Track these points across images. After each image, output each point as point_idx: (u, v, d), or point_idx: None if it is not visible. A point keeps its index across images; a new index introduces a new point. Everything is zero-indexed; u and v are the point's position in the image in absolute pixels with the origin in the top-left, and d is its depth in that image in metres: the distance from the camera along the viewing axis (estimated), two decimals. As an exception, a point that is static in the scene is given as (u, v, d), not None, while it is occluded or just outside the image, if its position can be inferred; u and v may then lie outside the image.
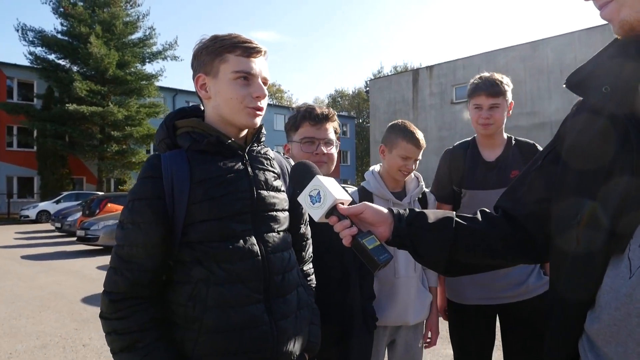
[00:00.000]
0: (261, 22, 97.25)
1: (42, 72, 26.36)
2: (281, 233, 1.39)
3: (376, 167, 2.32)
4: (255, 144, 1.41)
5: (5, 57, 61.02)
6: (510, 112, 2.26)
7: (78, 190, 25.79)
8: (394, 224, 1.18)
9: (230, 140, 1.33)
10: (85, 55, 24.99)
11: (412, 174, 2.32)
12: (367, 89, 44.74)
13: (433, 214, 1.21)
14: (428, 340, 2.32)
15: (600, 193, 0.90)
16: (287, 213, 1.43)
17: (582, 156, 0.99)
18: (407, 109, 27.60)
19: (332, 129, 1.84)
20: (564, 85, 1.06)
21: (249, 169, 1.35)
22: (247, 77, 1.31)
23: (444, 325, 2.41)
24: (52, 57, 26.91)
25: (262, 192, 1.35)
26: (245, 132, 1.39)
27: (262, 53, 1.35)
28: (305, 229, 1.56)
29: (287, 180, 1.48)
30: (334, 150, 1.84)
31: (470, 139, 2.37)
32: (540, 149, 2.23)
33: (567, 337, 0.98)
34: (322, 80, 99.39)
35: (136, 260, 1.24)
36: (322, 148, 1.79)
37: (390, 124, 2.29)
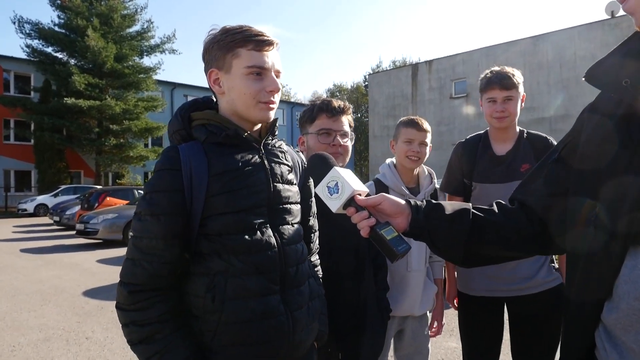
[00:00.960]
0: (259, 16, 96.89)
1: (40, 65, 26.19)
2: (295, 225, 1.41)
3: (393, 160, 2.35)
4: (270, 137, 1.43)
5: (2, 50, 60.59)
6: (523, 104, 2.28)
7: (76, 184, 25.71)
8: (412, 216, 1.19)
9: (246, 134, 1.35)
10: (82, 48, 24.84)
11: (425, 170, 2.35)
12: (366, 83, 44.71)
13: (450, 205, 1.22)
14: (433, 330, 2.40)
15: (617, 186, 0.91)
16: (299, 206, 1.45)
17: (599, 150, 0.99)
18: (406, 104, 27.59)
19: (347, 121, 1.88)
20: (583, 78, 1.06)
21: (265, 162, 1.37)
22: (260, 71, 1.31)
23: (446, 318, 2.45)
24: (49, 50, 26.75)
25: (278, 185, 1.37)
26: (259, 125, 1.41)
27: (275, 45, 1.35)
28: (313, 221, 1.59)
29: (298, 173, 1.50)
30: (349, 143, 1.87)
31: (482, 132, 2.38)
32: (554, 142, 2.25)
33: (584, 328, 0.99)
34: (320, 74, 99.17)
35: (155, 252, 1.24)
36: (339, 139, 1.83)
37: None
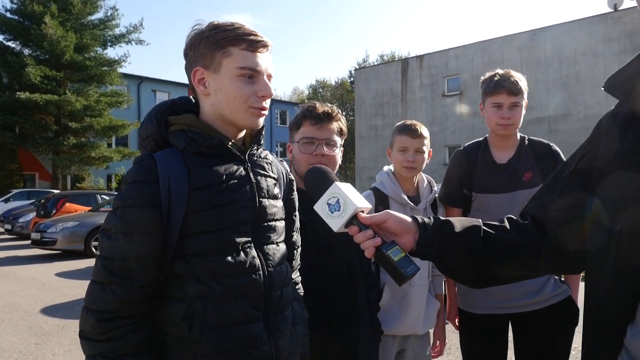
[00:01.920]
0: (235, 4, 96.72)
1: (-11, 55, 25.66)
2: (279, 245, 1.41)
3: (391, 168, 2.37)
4: (255, 147, 1.41)
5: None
6: (524, 111, 2.32)
7: (30, 188, 25.24)
8: (419, 234, 1.19)
9: (231, 143, 1.33)
10: (38, 37, 24.44)
11: (425, 178, 2.38)
12: (352, 79, 44.93)
13: (459, 222, 1.23)
14: (436, 350, 2.43)
15: (635, 198, 0.94)
16: (283, 222, 1.44)
17: (621, 162, 1.01)
18: (396, 102, 27.79)
19: (336, 129, 1.88)
20: (602, 88, 1.10)
21: (251, 174, 1.35)
22: (253, 74, 1.30)
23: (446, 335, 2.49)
24: (0, 38, 26.25)
25: (264, 200, 1.36)
26: (243, 132, 1.39)
27: (269, 47, 1.34)
28: (297, 237, 1.58)
29: (282, 186, 1.50)
30: (336, 152, 1.88)
31: (481, 139, 2.42)
32: (556, 148, 2.29)
33: (605, 352, 1.00)
34: (302, 69, 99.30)
35: (129, 274, 1.20)
36: (323, 148, 1.82)
37: None
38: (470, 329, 2.36)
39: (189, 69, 1.34)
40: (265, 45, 1.32)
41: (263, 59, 1.32)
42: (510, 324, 2.32)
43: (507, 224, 1.25)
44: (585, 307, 1.08)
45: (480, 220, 1.26)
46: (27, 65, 23.89)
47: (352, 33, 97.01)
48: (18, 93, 23.58)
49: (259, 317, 1.30)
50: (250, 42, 1.29)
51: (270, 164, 1.45)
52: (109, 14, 28.10)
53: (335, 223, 1.19)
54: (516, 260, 1.21)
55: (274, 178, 1.43)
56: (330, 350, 1.76)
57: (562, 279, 2.28)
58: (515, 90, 2.23)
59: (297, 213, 1.56)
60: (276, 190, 1.42)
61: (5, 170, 25.81)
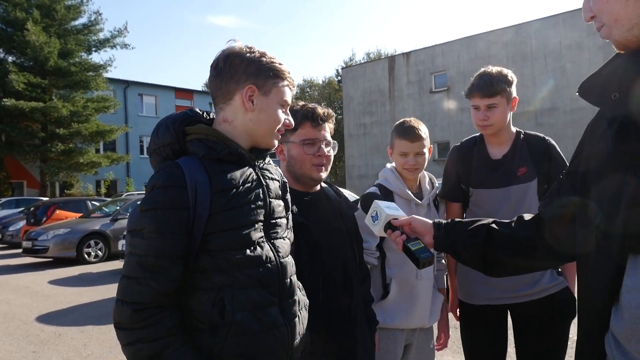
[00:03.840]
0: (219, 6, 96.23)
1: (-28, 63, 25.33)
2: (285, 239, 1.58)
3: (393, 165, 2.42)
4: (262, 156, 1.59)
5: None
6: (515, 107, 2.36)
7: (18, 196, 24.97)
8: (434, 233, 1.52)
9: (244, 151, 1.50)
10: (21, 44, 24.17)
11: (426, 176, 2.44)
12: (339, 78, 44.93)
13: (471, 222, 1.50)
14: (440, 343, 2.50)
15: (611, 197, 1.06)
16: (286, 220, 1.62)
17: (597, 163, 1.14)
18: (384, 100, 27.91)
19: (329, 130, 1.96)
20: (577, 94, 1.23)
21: (262, 178, 1.53)
22: (286, 106, 1.56)
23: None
24: (-18, 45, 25.90)
25: (272, 200, 1.54)
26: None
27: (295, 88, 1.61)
28: (291, 234, 1.73)
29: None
30: (332, 152, 1.95)
31: (477, 135, 2.47)
32: (552, 142, 2.34)
33: (595, 334, 1.11)
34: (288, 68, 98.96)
35: (162, 270, 1.33)
36: (324, 149, 1.90)
37: None
38: (470, 319, 2.43)
39: (230, 81, 1.48)
40: (294, 86, 1.59)
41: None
42: (509, 315, 2.39)
43: (513, 221, 1.46)
44: (578, 292, 1.21)
45: (489, 219, 1.50)
46: (11, 72, 23.56)
47: (338, 32, 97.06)
48: (5, 100, 23.25)
49: (275, 302, 1.46)
50: (291, 81, 1.56)
51: (274, 168, 1.65)
52: (92, 18, 27.83)
53: (376, 229, 1.62)
54: (513, 251, 1.42)
55: (278, 180, 1.62)
56: (329, 346, 1.82)
57: (559, 270, 2.33)
58: (490, 93, 2.25)
59: (290, 213, 1.71)
60: (280, 192, 1.60)
61: (-8, 178, 25.52)
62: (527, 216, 1.45)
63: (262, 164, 1.58)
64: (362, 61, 43.90)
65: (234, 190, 1.42)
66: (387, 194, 2.26)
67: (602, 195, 1.09)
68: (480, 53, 23.08)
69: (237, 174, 1.45)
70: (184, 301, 1.39)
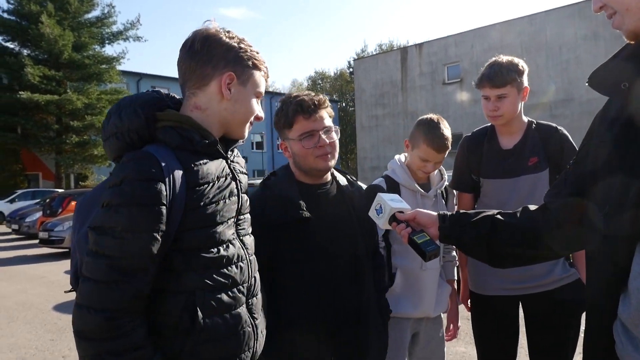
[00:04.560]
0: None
1: (-12, 57, 25.61)
2: (251, 235, 1.54)
3: (402, 157, 2.42)
4: (232, 147, 1.53)
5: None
6: (526, 97, 2.33)
7: (34, 188, 25.31)
8: (439, 224, 1.51)
9: (218, 143, 1.40)
10: (36, 37, 24.41)
11: None
12: (351, 69, 44.75)
13: (475, 213, 1.49)
14: (449, 333, 2.51)
15: (618, 188, 1.07)
16: (249, 215, 1.56)
17: (606, 152, 1.14)
18: (396, 91, 27.74)
19: (326, 114, 1.88)
20: (587, 84, 1.23)
21: (234, 172, 1.45)
22: (260, 98, 1.49)
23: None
24: (-2, 39, 26.16)
25: (243, 195, 1.48)
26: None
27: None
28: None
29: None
30: (335, 137, 1.89)
31: (488, 125, 2.46)
32: (564, 132, 2.33)
33: (602, 321, 1.13)
34: (300, 61, 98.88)
35: (137, 272, 1.20)
36: (324, 138, 1.84)
37: (420, 118, 2.35)
38: (481, 310, 2.43)
39: (207, 65, 1.35)
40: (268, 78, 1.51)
41: None
42: (521, 306, 2.38)
43: (519, 211, 1.45)
44: (586, 281, 1.22)
45: (494, 210, 1.48)
46: (26, 65, 23.82)
47: (350, 23, 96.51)
48: (20, 93, 23.53)
49: (244, 301, 1.40)
50: (267, 72, 1.48)
51: (243, 160, 1.58)
52: (105, 11, 28.01)
53: (381, 222, 1.60)
54: (518, 242, 1.41)
55: (246, 174, 1.56)
56: (340, 336, 1.83)
57: (571, 261, 2.33)
58: (500, 83, 2.23)
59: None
60: (246, 185, 1.55)
61: (9, 171, 25.86)
62: (533, 207, 1.45)
63: (232, 157, 1.49)
64: (374, 53, 43.64)
65: (210, 185, 1.32)
66: (393, 186, 2.26)
67: (609, 186, 1.09)
68: (494, 44, 22.79)
69: (212, 167, 1.35)
70: (151, 305, 1.26)
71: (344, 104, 53.81)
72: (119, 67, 28.26)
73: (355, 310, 1.88)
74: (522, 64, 2.31)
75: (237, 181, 1.45)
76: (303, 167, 1.88)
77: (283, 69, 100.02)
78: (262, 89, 1.47)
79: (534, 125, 2.37)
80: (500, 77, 2.23)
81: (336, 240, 1.86)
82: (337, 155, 1.91)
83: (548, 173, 2.26)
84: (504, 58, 2.31)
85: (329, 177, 1.97)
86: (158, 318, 1.27)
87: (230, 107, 1.40)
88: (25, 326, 5.86)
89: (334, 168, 1.99)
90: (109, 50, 46.61)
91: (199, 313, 1.26)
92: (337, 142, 1.90)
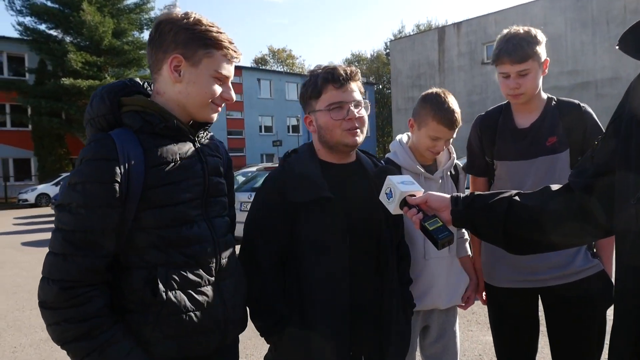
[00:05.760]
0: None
1: (33, 44, 26.49)
2: (225, 217, 1.56)
3: (403, 137, 2.27)
4: (202, 130, 1.53)
5: (-7, 29, 61.30)
6: (547, 70, 2.12)
7: (78, 172, 26.12)
8: (451, 207, 1.41)
9: (183, 125, 1.44)
10: (78, 24, 25.05)
11: None
12: (388, 51, 44.08)
13: (491, 195, 1.38)
14: (464, 304, 2.31)
15: None
16: (227, 198, 1.59)
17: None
18: (433, 72, 27.15)
19: (357, 87, 1.76)
20: (617, 47, 1.07)
21: (201, 154, 1.48)
22: (224, 79, 1.46)
23: (482, 310, 2.37)
24: (42, 27, 27.05)
25: (212, 177, 1.50)
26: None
27: (239, 59, 1.50)
28: (234, 212, 1.74)
29: (224, 164, 1.64)
30: (364, 112, 1.76)
31: (504, 103, 2.27)
32: (588, 109, 2.12)
33: (632, 313, 0.99)
34: (337, 43, 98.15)
35: (90, 246, 1.27)
36: (353, 111, 1.71)
37: (423, 94, 2.19)
38: (497, 303, 2.27)
39: (159, 50, 1.40)
40: (238, 58, 1.48)
41: (233, 68, 1.48)
42: (540, 300, 2.21)
43: (539, 192, 1.33)
44: (616, 274, 1.08)
45: (512, 191, 1.36)
46: (69, 52, 24.55)
47: (388, 4, 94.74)
48: (63, 79, 24.28)
49: (211, 281, 1.44)
50: (231, 52, 1.44)
51: (216, 144, 1.59)
52: (144, -4, 28.44)
53: (391, 207, 1.52)
54: (536, 225, 1.27)
55: (219, 157, 1.57)
56: (360, 330, 1.71)
57: (594, 251, 2.13)
58: (521, 57, 2.00)
59: (233, 189, 1.69)
60: (221, 169, 1.57)
61: (54, 155, 26.86)
62: (555, 187, 1.31)
63: (202, 139, 1.52)
64: (413, 33, 42.77)
65: (171, 165, 1.37)
66: (395, 168, 2.09)
67: None
68: (537, 21, 21.85)
69: (175, 148, 1.40)
70: (116, 280, 1.34)
71: (380, 87, 53.21)
72: (158, 53, 28.67)
73: (377, 302, 1.76)
74: (540, 34, 2.08)
75: (204, 163, 1.47)
76: (329, 142, 1.74)
77: (320, 51, 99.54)
78: (225, 70, 1.44)
79: (553, 102, 2.15)
80: (521, 51, 2.00)
81: (359, 226, 1.72)
82: (365, 131, 1.79)
83: (568, 154, 2.05)
84: (520, 29, 2.07)
85: (353, 156, 1.84)
86: (124, 292, 1.34)
87: (183, 90, 1.42)
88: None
89: (359, 149, 1.86)
90: (147, 35, 47.15)
91: (160, 286, 1.32)
92: (366, 117, 1.78)
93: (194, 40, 1.38)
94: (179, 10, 1.42)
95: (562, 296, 2.09)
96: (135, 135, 1.36)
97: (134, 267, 1.34)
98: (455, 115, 2.08)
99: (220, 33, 1.42)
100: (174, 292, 1.34)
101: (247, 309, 1.66)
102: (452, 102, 2.10)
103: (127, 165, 1.30)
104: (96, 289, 1.28)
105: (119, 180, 1.29)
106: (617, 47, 1.07)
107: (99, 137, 1.34)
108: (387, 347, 1.75)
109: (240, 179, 11.50)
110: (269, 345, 1.79)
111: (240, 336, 1.68)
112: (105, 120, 1.39)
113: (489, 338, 4.23)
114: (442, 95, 2.10)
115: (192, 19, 1.40)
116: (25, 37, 26.90)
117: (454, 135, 2.13)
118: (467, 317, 4.82)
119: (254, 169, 13.41)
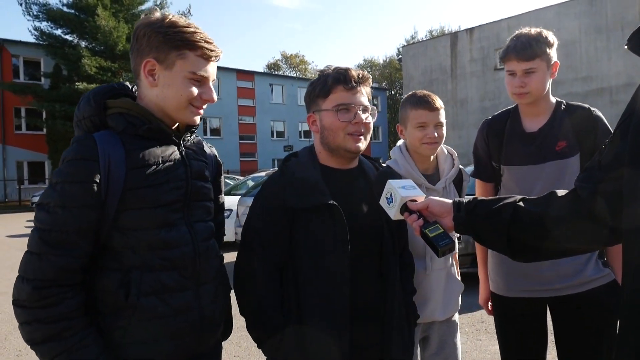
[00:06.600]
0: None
1: (49, 49, 26.85)
2: (208, 222, 1.54)
3: (404, 143, 2.20)
4: (189, 134, 1.52)
5: (10, 34, 62.50)
6: (556, 73, 2.07)
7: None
8: (454, 213, 1.37)
9: (166, 128, 1.43)
10: (93, 29, 25.34)
11: (445, 150, 2.21)
12: (400, 56, 44.04)
13: (495, 200, 1.34)
14: None
15: None
16: (212, 203, 1.58)
17: None
18: (445, 78, 27.05)
19: (366, 93, 1.73)
20: (625, 47, 1.05)
21: (185, 158, 1.47)
22: (202, 79, 1.43)
23: (491, 319, 2.31)
24: (58, 32, 27.39)
25: (196, 181, 1.49)
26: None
27: (219, 57, 1.47)
28: (222, 217, 1.75)
29: (211, 169, 1.62)
30: (371, 119, 1.72)
31: (512, 107, 2.21)
32: (598, 113, 2.05)
33: None
34: (349, 48, 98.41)
35: (66, 246, 1.27)
36: (360, 115, 1.67)
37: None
38: (504, 313, 2.20)
39: (137, 56, 1.41)
40: (217, 56, 1.45)
41: (213, 67, 1.45)
42: (549, 310, 2.12)
43: (544, 197, 1.29)
44: (623, 280, 1.04)
45: (517, 196, 1.32)
46: (84, 56, 24.84)
47: (400, 9, 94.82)
48: (77, 84, 24.56)
49: (189, 286, 1.42)
50: (206, 51, 1.41)
51: (202, 148, 1.58)
52: (158, 2, 28.69)
53: (392, 212, 1.48)
54: (542, 232, 1.23)
55: (205, 162, 1.56)
56: (361, 340, 1.64)
57: (605, 259, 2.05)
58: (528, 55, 1.96)
59: (222, 195, 1.68)
60: (207, 173, 1.55)
61: (68, 158, 27.13)
62: (561, 192, 1.26)
63: (188, 143, 1.51)
64: (425, 38, 42.70)
65: (152, 167, 1.37)
66: (394, 177, 2.04)
67: None
68: (550, 26, 21.36)
69: (157, 151, 1.40)
70: (90, 281, 1.33)
71: (393, 92, 53.12)
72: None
73: (378, 312, 1.69)
74: (551, 36, 2.04)
75: (187, 167, 1.46)
76: (331, 144, 1.69)
77: (333, 57, 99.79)
78: (201, 70, 1.42)
79: (563, 106, 2.09)
80: (528, 49, 1.97)
81: (360, 233, 1.66)
82: (369, 138, 1.75)
83: (579, 159, 1.98)
84: (532, 29, 2.04)
85: (356, 162, 1.79)
86: (98, 294, 1.33)
87: (160, 94, 1.41)
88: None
89: (362, 155, 1.81)
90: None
91: (133, 290, 1.31)
92: (372, 125, 1.74)
93: (166, 43, 1.37)
94: (157, 15, 1.42)
95: (571, 306, 2.02)
96: (119, 136, 1.37)
97: (110, 269, 1.33)
98: (431, 97, 2.07)
99: (196, 33, 1.40)
100: (147, 296, 1.33)
101: (231, 315, 1.65)
102: (425, 91, 2.12)
103: (107, 166, 1.30)
104: (70, 289, 1.27)
105: (97, 180, 1.29)
106: (625, 47, 1.04)
107: (81, 137, 1.35)
108: (390, 352, 1.69)
109: (250, 183, 11.52)
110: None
111: (232, 338, 1.63)
112: (90, 122, 1.41)
113: (497, 347, 4.14)
114: (416, 91, 2.15)
115: (166, 21, 1.39)
116: (41, 42, 27.28)
117: (442, 120, 2.07)
118: (476, 326, 4.73)
119: (264, 173, 13.43)
